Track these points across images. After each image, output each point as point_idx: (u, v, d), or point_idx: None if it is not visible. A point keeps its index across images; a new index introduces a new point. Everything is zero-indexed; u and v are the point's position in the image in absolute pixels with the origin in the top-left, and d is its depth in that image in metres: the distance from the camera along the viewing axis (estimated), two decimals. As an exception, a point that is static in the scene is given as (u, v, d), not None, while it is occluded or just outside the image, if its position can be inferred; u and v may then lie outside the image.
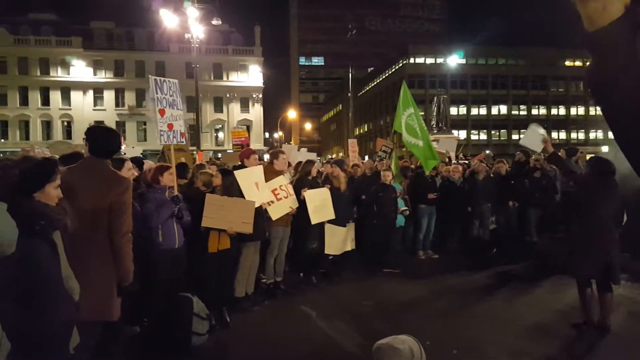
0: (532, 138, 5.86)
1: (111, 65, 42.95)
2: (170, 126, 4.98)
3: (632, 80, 0.86)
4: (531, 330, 4.95)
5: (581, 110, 57.67)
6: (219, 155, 18.26)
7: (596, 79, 0.93)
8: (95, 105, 42.87)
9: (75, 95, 42.19)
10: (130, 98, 43.43)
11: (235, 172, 5.47)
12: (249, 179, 5.49)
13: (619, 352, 4.43)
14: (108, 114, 42.87)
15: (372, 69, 72.18)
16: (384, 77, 62.29)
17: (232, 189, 5.17)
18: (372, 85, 66.70)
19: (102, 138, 3.26)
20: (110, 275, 3.08)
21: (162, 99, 4.92)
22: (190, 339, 4.35)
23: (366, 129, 66.27)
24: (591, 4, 0.88)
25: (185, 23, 17.53)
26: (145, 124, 43.74)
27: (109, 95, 43.12)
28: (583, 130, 57.71)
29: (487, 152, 11.46)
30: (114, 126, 42.03)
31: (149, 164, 6.38)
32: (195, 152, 14.99)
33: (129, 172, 4.16)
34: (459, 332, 4.88)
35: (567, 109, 57.99)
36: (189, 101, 25.93)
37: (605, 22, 0.86)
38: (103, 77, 42.81)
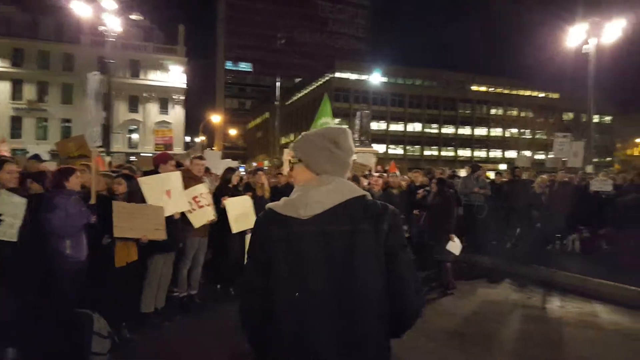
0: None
1: (8, 53, 38.45)
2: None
3: None
4: (443, 332, 5.22)
5: (484, 131, 63.31)
6: (132, 158, 17.13)
7: None
8: (-15, 96, 37.98)
9: (-38, 85, 37.15)
10: (30, 91, 39.30)
11: (140, 180, 5.01)
12: (158, 186, 5.02)
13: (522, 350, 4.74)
14: (1, 107, 38.36)
15: (299, 79, 72.96)
16: (311, 89, 63.32)
17: (137, 196, 4.78)
18: (300, 95, 67.45)
19: None
20: None
21: (99, 98, 4.54)
22: (88, 359, 3.91)
23: (292, 139, 65.90)
24: None
25: (100, 14, 16.32)
26: (46, 120, 39.81)
27: (3, 87, 38.56)
28: (485, 149, 63.19)
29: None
30: (8, 121, 38.51)
31: (49, 165, 5.75)
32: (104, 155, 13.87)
33: (9, 174, 3.72)
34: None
35: (472, 129, 63.19)
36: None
37: None
38: (-2, 65, 38.12)
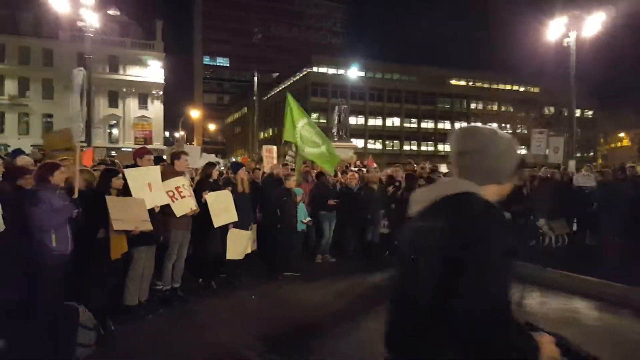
0: None
1: (-11, 49, 37.77)
2: None
3: None
4: None
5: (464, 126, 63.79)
6: (113, 153, 17.02)
7: None
8: (-32, 92, 37.46)
9: (-56, 81, 36.28)
10: (11, 87, 38.85)
11: (126, 171, 5.18)
12: (141, 179, 5.20)
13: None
14: (-16, 103, 37.71)
15: (277, 74, 72.72)
16: (288, 83, 63.13)
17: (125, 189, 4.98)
18: (277, 90, 67.15)
19: None
20: None
21: (84, 94, 4.67)
22: (74, 351, 4.03)
23: (271, 134, 66.41)
24: None
25: (78, 9, 16.11)
26: (27, 115, 39.34)
27: (-14, 83, 37.82)
28: (465, 144, 63.89)
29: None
30: None
31: (23, 159, 5.79)
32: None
33: None
34: (354, 331, 5.08)
35: (452, 124, 63.80)
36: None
37: None
38: (-21, 62, 37.44)
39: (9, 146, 25.28)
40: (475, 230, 1.35)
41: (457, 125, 63.39)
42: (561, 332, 1.56)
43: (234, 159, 32.09)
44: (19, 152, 7.02)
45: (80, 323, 4.10)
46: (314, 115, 55.35)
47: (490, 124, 46.49)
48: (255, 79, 42.07)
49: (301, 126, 8.89)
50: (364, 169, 12.08)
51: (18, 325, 3.73)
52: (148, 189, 5.22)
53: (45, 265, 3.91)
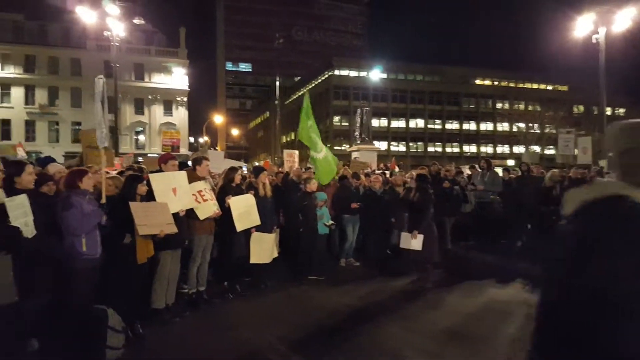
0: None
1: (21, 60, 39.74)
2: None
3: None
4: (445, 332, 5.18)
5: (490, 126, 62.66)
6: (140, 159, 17.44)
7: None
8: (1, 102, 39.52)
9: (-22, 91, 38.25)
10: (41, 96, 40.40)
11: (151, 176, 5.30)
12: (166, 184, 5.31)
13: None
14: (16, 112, 39.76)
15: (299, 78, 73.04)
16: (310, 87, 63.36)
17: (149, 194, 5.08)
18: (299, 94, 67.51)
19: None
20: None
21: (105, 101, 4.84)
22: (104, 353, 4.12)
23: (293, 137, 66.70)
24: None
25: (104, 20, 16.62)
26: (57, 124, 40.92)
27: (17, 92, 39.85)
28: (492, 145, 62.67)
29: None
30: (22, 125, 39.86)
31: (56, 167, 5.94)
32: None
33: (30, 176, 3.99)
34: (378, 336, 5.05)
35: (478, 125, 62.72)
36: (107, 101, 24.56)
37: None
38: (11, 72, 39.49)
39: (41, 153, 26.29)
40: (616, 238, 1.29)
41: (483, 125, 62.56)
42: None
43: (257, 163, 32.37)
44: (49, 159, 7.21)
45: (110, 326, 4.20)
46: (336, 119, 55.33)
47: (517, 123, 44.55)
48: (277, 83, 42.44)
49: (309, 127, 8.65)
50: (387, 172, 11.97)
51: (49, 327, 3.84)
52: (172, 193, 5.32)
53: (75, 269, 4.02)
